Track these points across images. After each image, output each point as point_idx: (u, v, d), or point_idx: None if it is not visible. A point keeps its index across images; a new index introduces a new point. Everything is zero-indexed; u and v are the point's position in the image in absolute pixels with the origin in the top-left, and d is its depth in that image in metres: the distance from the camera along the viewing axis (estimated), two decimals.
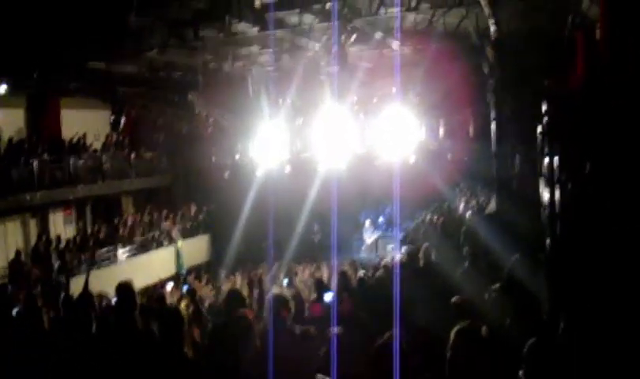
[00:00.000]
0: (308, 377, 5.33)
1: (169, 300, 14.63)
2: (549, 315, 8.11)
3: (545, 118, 9.78)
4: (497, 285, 9.50)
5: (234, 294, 7.03)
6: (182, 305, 12.35)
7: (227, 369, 5.17)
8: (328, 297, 9.97)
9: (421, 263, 10.99)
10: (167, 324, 5.69)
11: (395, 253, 20.26)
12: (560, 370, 5.10)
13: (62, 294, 14.17)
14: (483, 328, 4.61)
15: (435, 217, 21.18)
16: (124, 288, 6.77)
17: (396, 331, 5.22)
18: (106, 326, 6.45)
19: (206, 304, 14.56)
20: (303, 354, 5.60)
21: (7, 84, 20.69)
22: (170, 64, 21.57)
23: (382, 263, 12.37)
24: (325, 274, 23.52)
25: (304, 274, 24.90)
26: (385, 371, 4.71)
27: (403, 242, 17.40)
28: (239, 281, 24.31)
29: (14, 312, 8.00)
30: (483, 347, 4.55)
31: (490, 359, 4.51)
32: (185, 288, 20.77)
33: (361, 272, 13.40)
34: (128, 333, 5.57)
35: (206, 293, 22.58)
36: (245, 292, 13.40)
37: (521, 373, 5.09)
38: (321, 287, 10.63)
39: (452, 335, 4.69)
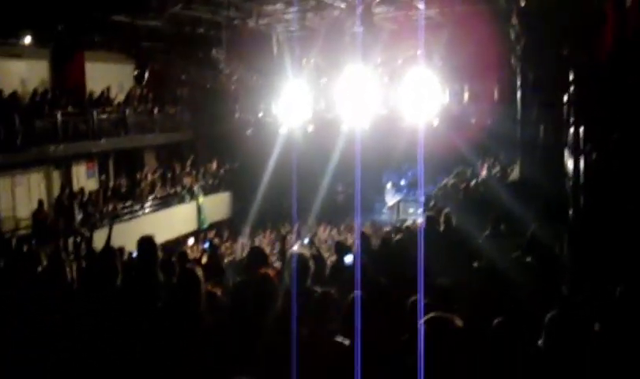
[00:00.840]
0: (327, 339, 5.36)
1: (190, 256, 14.75)
2: (570, 285, 8.10)
3: (572, 87, 9.69)
4: (518, 252, 9.47)
5: (256, 252, 7.06)
6: (203, 260, 12.46)
7: (249, 328, 5.21)
8: (348, 259, 10.00)
9: (442, 227, 10.97)
10: (183, 285, 5.72)
11: (417, 217, 20.29)
12: (581, 343, 5.08)
13: (86, 248, 14.39)
14: (457, 319, 4.53)
15: (458, 182, 21.06)
16: (146, 242, 6.81)
17: (420, 295, 5.24)
18: (129, 280, 6.50)
19: (226, 260, 14.68)
20: (323, 315, 5.61)
21: (32, 35, 20.76)
22: (194, 19, 21.51)
23: (404, 226, 12.35)
24: (345, 235, 23.64)
25: (325, 234, 25.03)
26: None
27: (425, 205, 17.34)
28: (261, 239, 24.48)
29: (39, 268, 8.10)
30: (457, 337, 4.44)
31: (463, 349, 4.41)
32: (206, 244, 20.96)
33: (382, 234, 13.42)
34: (149, 288, 5.61)
35: (227, 249, 22.79)
36: (267, 250, 13.47)
37: (540, 342, 5.08)
38: (341, 249, 10.65)
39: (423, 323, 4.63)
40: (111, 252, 7.01)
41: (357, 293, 5.53)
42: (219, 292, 5.92)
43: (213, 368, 4.84)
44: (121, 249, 10.66)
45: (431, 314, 4.46)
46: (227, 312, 5.55)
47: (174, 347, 5.06)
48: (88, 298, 6.62)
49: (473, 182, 19.66)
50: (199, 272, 5.65)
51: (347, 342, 5.26)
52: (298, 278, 6.00)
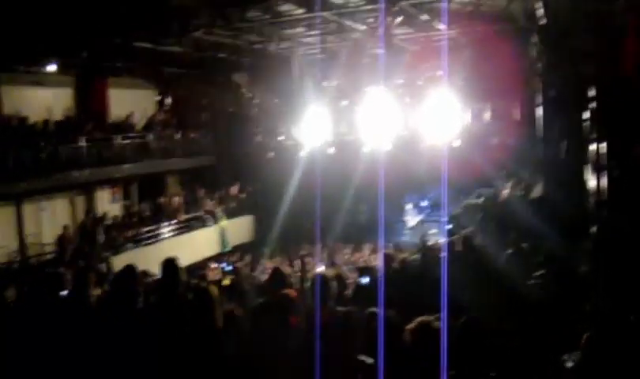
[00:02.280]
0: (350, 358, 5.35)
1: (211, 278, 14.76)
2: (596, 302, 8.02)
3: (593, 104, 9.66)
4: (541, 271, 9.42)
5: (277, 273, 7.08)
6: (224, 282, 12.48)
7: (271, 348, 5.21)
8: (364, 280, 9.99)
9: (464, 247, 10.92)
10: (197, 304, 5.74)
11: (439, 237, 20.20)
12: (618, 361, 5.04)
13: (109, 272, 14.46)
14: (436, 323, 4.56)
15: (480, 201, 20.97)
16: (170, 264, 6.85)
17: (443, 314, 5.22)
18: (150, 301, 6.53)
19: (248, 282, 14.67)
20: (346, 334, 5.62)
21: (57, 63, 21.06)
22: (215, 44, 21.69)
23: (426, 246, 12.32)
24: (367, 256, 23.54)
25: (347, 256, 24.96)
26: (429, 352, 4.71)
27: (447, 225, 17.28)
28: (282, 261, 24.47)
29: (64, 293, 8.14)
30: (436, 339, 4.49)
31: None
32: (228, 266, 20.98)
33: (404, 254, 13.37)
34: (171, 309, 5.64)
35: (248, 272, 22.78)
36: (288, 271, 13.45)
37: (570, 363, 5.05)
38: (363, 273, 10.60)
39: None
40: (131, 272, 7.03)
41: (380, 312, 5.52)
42: (239, 312, 5.93)
43: None
44: (144, 272, 10.70)
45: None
46: (248, 332, 5.56)
47: (195, 368, 5.07)
48: (110, 320, 6.66)
49: (495, 202, 19.58)
50: (214, 290, 5.67)
51: (370, 360, 5.26)
52: (320, 298, 6.02)
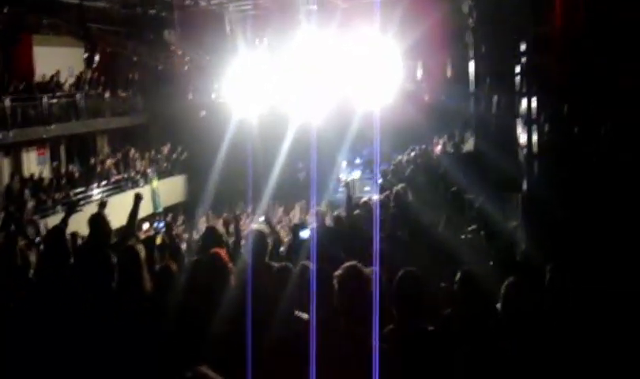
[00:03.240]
0: (286, 313, 5.33)
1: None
2: (525, 255, 8.18)
3: (523, 58, 9.77)
4: (473, 226, 9.56)
5: (210, 232, 6.99)
6: (157, 241, 12.29)
7: (202, 307, 5.15)
8: (305, 233, 9.97)
9: (396, 204, 10.97)
10: (123, 261, 5.64)
11: (372, 194, 20.34)
12: (537, 308, 5.16)
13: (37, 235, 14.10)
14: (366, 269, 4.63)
15: (412, 158, 21.15)
16: (96, 220, 6.70)
17: (376, 268, 5.22)
18: (80, 259, 6.40)
19: (183, 244, 14.52)
20: (281, 290, 5.59)
21: None
22: (145, 0, 21.15)
23: (361, 202, 12.35)
24: (299, 215, 23.58)
25: (281, 215, 24.95)
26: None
27: (380, 183, 17.37)
28: (217, 221, 24.29)
29: None
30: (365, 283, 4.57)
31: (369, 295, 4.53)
32: (161, 224, 20.72)
33: (337, 211, 13.39)
34: (99, 266, 5.50)
35: (182, 231, 22.57)
36: (222, 231, 13.35)
37: (499, 307, 5.15)
38: (298, 230, 10.57)
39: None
40: (59, 232, 6.86)
41: (312, 267, 5.50)
42: (174, 267, 5.84)
43: (168, 347, 4.78)
44: (74, 234, 10.46)
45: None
46: (183, 289, 5.48)
47: (126, 326, 4.98)
48: (41, 282, 6.50)
49: (426, 158, 19.79)
50: (140, 249, 5.57)
51: (305, 316, 5.25)
52: (255, 253, 5.96)
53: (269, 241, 6.66)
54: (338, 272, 4.55)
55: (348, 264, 4.61)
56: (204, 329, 4.52)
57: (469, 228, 9.38)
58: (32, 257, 7.97)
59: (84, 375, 4.79)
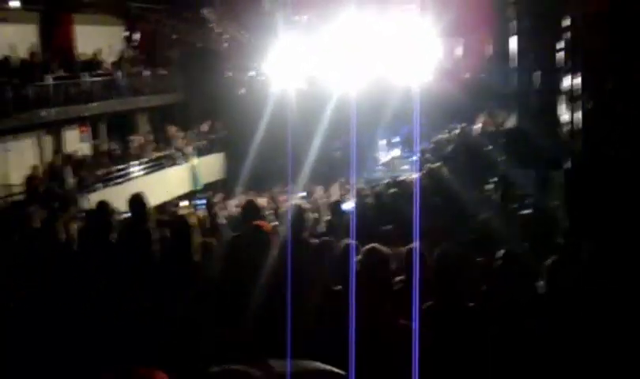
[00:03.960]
0: (324, 288, 5.34)
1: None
2: (568, 235, 8.07)
3: (567, 34, 9.60)
4: (513, 205, 9.47)
5: (250, 206, 7.00)
6: (198, 217, 12.39)
7: (245, 279, 5.17)
8: (347, 205, 9.97)
9: (436, 182, 10.92)
10: (175, 232, 5.68)
11: (411, 173, 20.26)
12: (580, 286, 5.11)
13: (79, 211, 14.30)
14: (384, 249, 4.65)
15: (453, 137, 20.96)
16: (137, 200, 6.78)
17: (416, 244, 5.21)
18: (123, 236, 6.47)
19: (222, 220, 14.61)
20: (320, 265, 5.60)
21: None
22: None
23: (398, 180, 12.32)
24: (339, 194, 23.55)
25: (320, 192, 24.93)
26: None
27: (419, 161, 17.29)
28: (254, 197, 24.34)
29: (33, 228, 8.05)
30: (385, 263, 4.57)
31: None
32: (201, 201, 20.85)
33: (377, 188, 13.37)
34: (142, 242, 5.57)
35: (221, 208, 22.70)
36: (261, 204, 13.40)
37: (542, 283, 5.10)
38: (336, 208, 10.54)
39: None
40: (105, 209, 6.95)
41: (352, 242, 5.50)
42: (214, 242, 5.88)
43: (210, 319, 4.81)
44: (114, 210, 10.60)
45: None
46: (223, 263, 5.51)
47: (171, 299, 5.02)
48: (84, 256, 6.60)
49: (466, 136, 19.59)
50: (192, 219, 5.61)
51: (339, 287, 5.26)
52: (295, 228, 5.97)
53: (309, 216, 6.67)
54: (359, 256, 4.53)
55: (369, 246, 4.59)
56: (246, 301, 4.54)
57: (512, 206, 9.31)
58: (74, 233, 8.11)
59: (131, 342, 4.85)
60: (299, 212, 6.05)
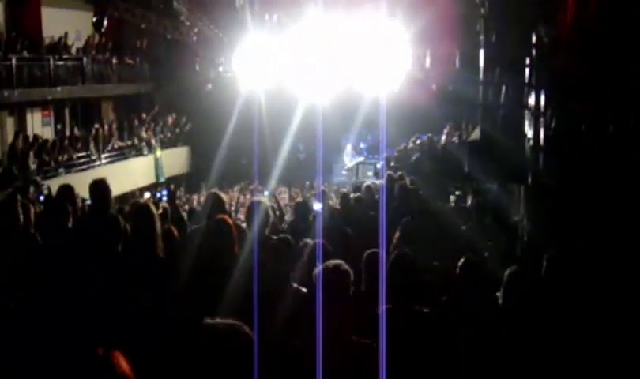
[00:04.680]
0: (284, 285, 5.36)
1: None
2: (527, 245, 8.21)
3: (534, 50, 9.76)
4: (474, 214, 9.59)
5: (214, 198, 6.96)
6: (158, 209, 12.28)
7: (206, 272, 5.17)
8: (317, 206, 10.00)
9: (400, 189, 10.97)
10: (137, 218, 5.63)
11: (376, 179, 20.37)
12: (538, 299, 5.19)
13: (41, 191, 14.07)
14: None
15: (418, 145, 21.14)
16: (99, 185, 6.68)
17: (382, 251, 5.26)
18: (82, 222, 6.40)
19: (184, 214, 14.53)
20: (280, 261, 5.61)
21: None
22: None
23: (364, 185, 12.39)
24: (305, 195, 23.59)
25: (285, 194, 24.97)
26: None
27: (383, 167, 17.40)
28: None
29: None
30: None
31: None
32: (164, 192, 20.70)
33: (343, 190, 13.45)
34: (103, 228, 5.49)
35: (184, 202, 22.58)
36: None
37: (499, 294, 5.18)
38: (301, 208, 10.50)
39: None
40: (66, 193, 6.86)
41: (319, 241, 5.54)
42: (176, 232, 5.85)
43: (174, 306, 4.81)
44: (78, 197, 10.48)
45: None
46: (191, 254, 5.50)
47: (133, 286, 4.99)
48: (41, 240, 6.51)
49: (432, 145, 19.78)
50: (152, 207, 5.57)
51: (304, 290, 5.28)
52: (256, 225, 5.96)
53: (271, 214, 6.66)
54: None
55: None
56: (215, 292, 4.54)
57: (473, 216, 9.42)
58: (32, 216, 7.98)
59: (94, 336, 4.80)
60: (262, 208, 6.04)
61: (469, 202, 10.63)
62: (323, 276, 4.06)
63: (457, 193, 13.35)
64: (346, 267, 4.07)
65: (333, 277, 4.01)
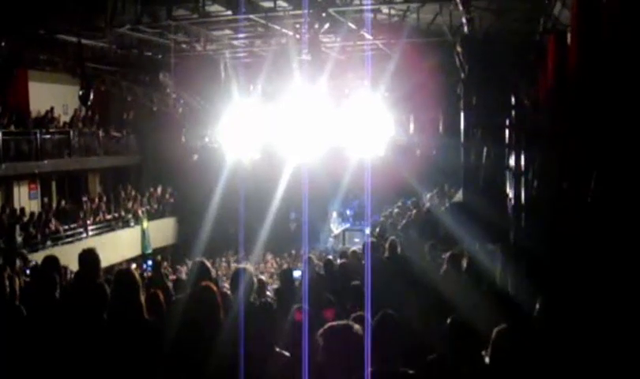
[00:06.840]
0: (267, 349, 5.35)
1: None
2: (515, 304, 8.21)
3: (513, 112, 9.97)
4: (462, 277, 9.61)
5: (199, 265, 6.99)
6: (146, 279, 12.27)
7: (191, 338, 5.17)
8: (297, 273, 10.01)
9: (387, 254, 11.02)
10: (120, 285, 5.63)
11: (362, 245, 20.43)
12: (529, 358, 5.20)
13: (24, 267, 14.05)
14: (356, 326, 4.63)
15: (403, 211, 21.28)
16: (87, 254, 6.70)
17: (367, 315, 5.28)
18: (69, 291, 6.39)
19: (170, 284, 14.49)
20: (264, 325, 5.62)
21: None
22: (142, 42, 21.35)
23: (349, 250, 12.43)
24: (292, 263, 23.59)
25: (271, 263, 24.95)
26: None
27: (369, 233, 17.47)
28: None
29: None
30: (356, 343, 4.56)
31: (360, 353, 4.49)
32: (149, 262, 20.66)
33: (328, 257, 13.46)
34: (90, 298, 5.51)
35: (170, 272, 22.50)
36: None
37: (486, 356, 5.19)
38: (286, 276, 10.50)
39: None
40: (55, 262, 6.87)
41: (304, 307, 5.57)
42: (161, 297, 5.86)
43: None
44: (64, 268, 10.47)
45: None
46: (170, 322, 5.51)
47: (120, 352, 4.99)
48: (27, 311, 6.49)
49: (417, 210, 19.90)
50: (135, 273, 5.60)
51: (286, 354, 5.29)
52: (240, 291, 5.99)
53: (256, 281, 6.70)
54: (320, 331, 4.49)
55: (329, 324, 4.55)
56: (200, 357, 4.54)
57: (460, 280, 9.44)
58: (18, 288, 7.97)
59: None
60: (247, 275, 6.08)
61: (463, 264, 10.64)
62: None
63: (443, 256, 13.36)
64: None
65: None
